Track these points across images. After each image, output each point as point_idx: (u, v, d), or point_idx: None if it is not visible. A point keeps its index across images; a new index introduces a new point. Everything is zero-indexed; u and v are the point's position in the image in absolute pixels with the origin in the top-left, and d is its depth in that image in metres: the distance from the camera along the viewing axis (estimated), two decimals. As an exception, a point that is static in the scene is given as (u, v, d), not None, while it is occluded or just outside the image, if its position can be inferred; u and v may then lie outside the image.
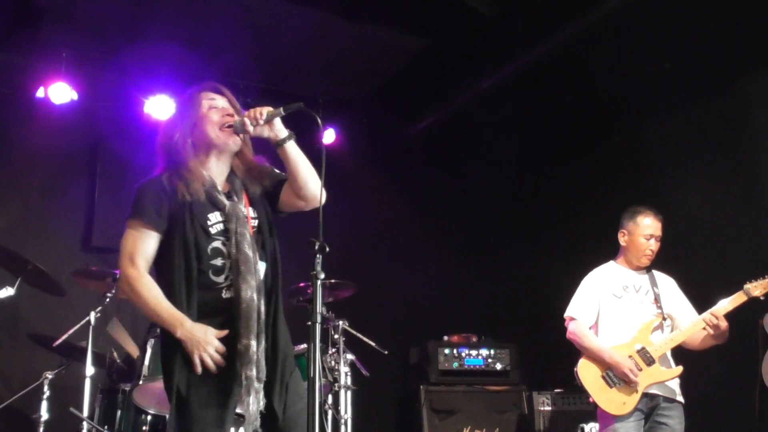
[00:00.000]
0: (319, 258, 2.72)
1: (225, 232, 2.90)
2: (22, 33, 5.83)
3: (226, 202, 2.94)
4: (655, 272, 4.45)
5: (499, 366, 6.44)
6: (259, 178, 3.07)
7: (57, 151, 6.35)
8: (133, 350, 5.08)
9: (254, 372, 2.78)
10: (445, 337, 6.59)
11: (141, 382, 4.70)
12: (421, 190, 7.62)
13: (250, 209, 3.01)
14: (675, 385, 4.20)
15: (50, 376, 4.74)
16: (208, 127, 2.98)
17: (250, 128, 2.93)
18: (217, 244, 2.89)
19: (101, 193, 6.52)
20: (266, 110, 2.91)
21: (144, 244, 2.88)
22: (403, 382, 6.93)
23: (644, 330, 4.21)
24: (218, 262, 2.88)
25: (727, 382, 5.17)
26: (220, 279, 2.87)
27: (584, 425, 5.49)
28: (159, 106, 6.30)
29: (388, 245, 7.30)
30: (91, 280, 5.04)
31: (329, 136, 6.87)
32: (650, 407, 4.15)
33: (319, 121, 2.94)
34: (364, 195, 6.98)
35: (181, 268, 2.84)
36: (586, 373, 4.22)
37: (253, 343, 2.80)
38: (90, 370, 4.62)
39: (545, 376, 6.25)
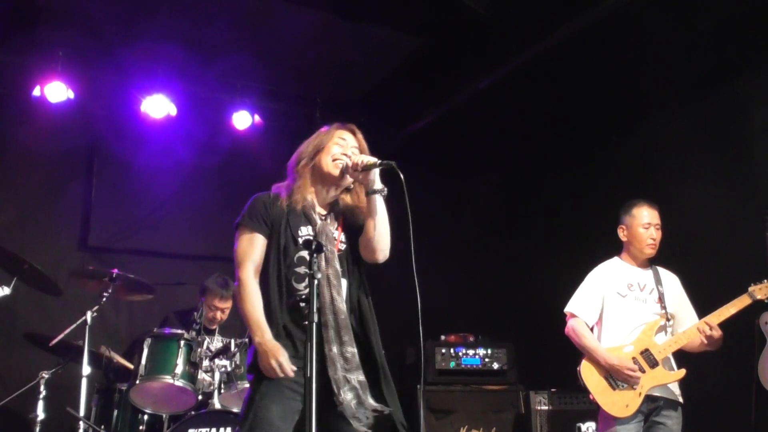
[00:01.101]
0: (316, 258, 2.82)
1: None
2: (18, 32, 5.82)
3: (319, 221, 3.19)
4: (659, 269, 4.44)
5: (496, 365, 6.44)
6: (358, 217, 3.29)
7: (53, 151, 6.34)
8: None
9: (363, 377, 3.02)
10: (442, 337, 6.58)
11: (137, 382, 4.71)
12: (418, 189, 7.59)
13: (343, 234, 3.25)
14: (675, 386, 4.20)
15: (47, 376, 4.73)
16: (324, 157, 3.26)
17: (350, 170, 3.20)
18: (304, 253, 3.10)
19: (98, 192, 6.53)
20: (367, 160, 3.17)
21: (252, 248, 3.13)
22: (400, 381, 6.93)
23: (648, 331, 4.20)
24: (301, 270, 3.09)
25: (723, 383, 5.16)
26: (300, 287, 3.08)
27: (581, 424, 5.49)
28: (156, 106, 6.29)
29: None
30: (88, 279, 5.03)
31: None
32: (651, 409, 4.14)
33: (404, 182, 3.11)
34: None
35: (275, 271, 3.09)
36: (589, 374, 4.21)
37: (356, 351, 3.05)
38: (86, 369, 4.62)
39: (542, 376, 6.25)
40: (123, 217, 6.52)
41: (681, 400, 4.20)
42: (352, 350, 3.02)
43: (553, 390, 5.99)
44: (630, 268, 4.41)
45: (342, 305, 3.06)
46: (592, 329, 4.36)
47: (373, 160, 3.17)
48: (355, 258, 3.25)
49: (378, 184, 3.18)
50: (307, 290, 2.95)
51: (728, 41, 5.20)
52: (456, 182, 7.57)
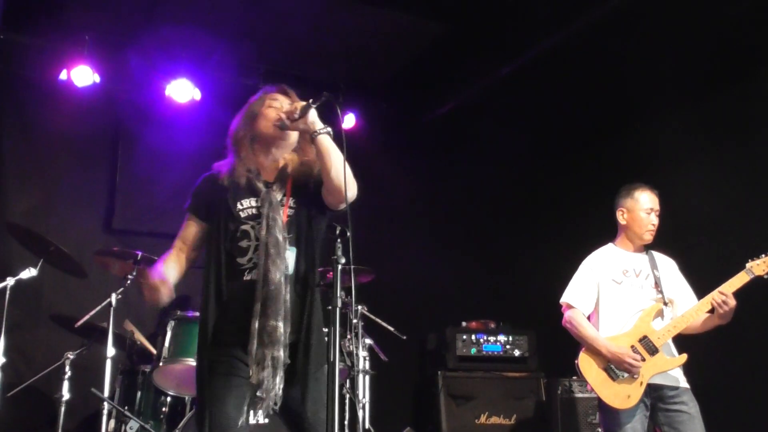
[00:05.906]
0: (339, 243, 2.84)
1: (257, 217, 3.08)
2: (45, 16, 5.87)
3: (263, 189, 3.11)
4: (654, 253, 4.35)
5: (517, 352, 6.45)
6: (309, 172, 3.19)
7: (79, 134, 6.38)
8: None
9: (281, 353, 2.90)
10: (464, 323, 6.59)
11: (161, 364, 4.75)
12: (440, 175, 7.60)
13: (291, 199, 3.14)
14: (677, 372, 4.08)
15: (72, 357, 4.78)
16: (262, 122, 3.20)
17: (288, 123, 3.09)
18: (245, 227, 3.08)
19: (122, 175, 6.56)
20: (299, 104, 3.07)
21: (185, 228, 3.24)
22: (421, 367, 6.95)
23: (645, 317, 4.10)
24: (243, 244, 3.05)
25: (742, 371, 5.14)
26: (243, 261, 3.04)
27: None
28: (180, 90, 6.34)
29: (406, 230, 7.29)
30: (112, 259, 5.07)
31: (350, 120, 6.88)
32: (654, 398, 4.04)
33: (338, 110, 3.04)
34: (383, 180, 6.95)
35: (213, 249, 3.08)
36: (588, 366, 4.13)
37: (281, 324, 2.91)
38: (111, 351, 4.66)
39: (563, 363, 6.23)
40: (147, 200, 6.55)
41: (687, 385, 4.08)
42: (274, 323, 2.89)
43: (574, 378, 5.98)
44: (625, 253, 4.32)
45: (275, 275, 2.94)
46: (589, 318, 4.28)
47: (304, 103, 3.06)
48: (307, 224, 3.13)
49: (319, 124, 3.05)
50: (250, 264, 3.00)
51: (750, 29, 5.15)
52: (477, 168, 7.54)
